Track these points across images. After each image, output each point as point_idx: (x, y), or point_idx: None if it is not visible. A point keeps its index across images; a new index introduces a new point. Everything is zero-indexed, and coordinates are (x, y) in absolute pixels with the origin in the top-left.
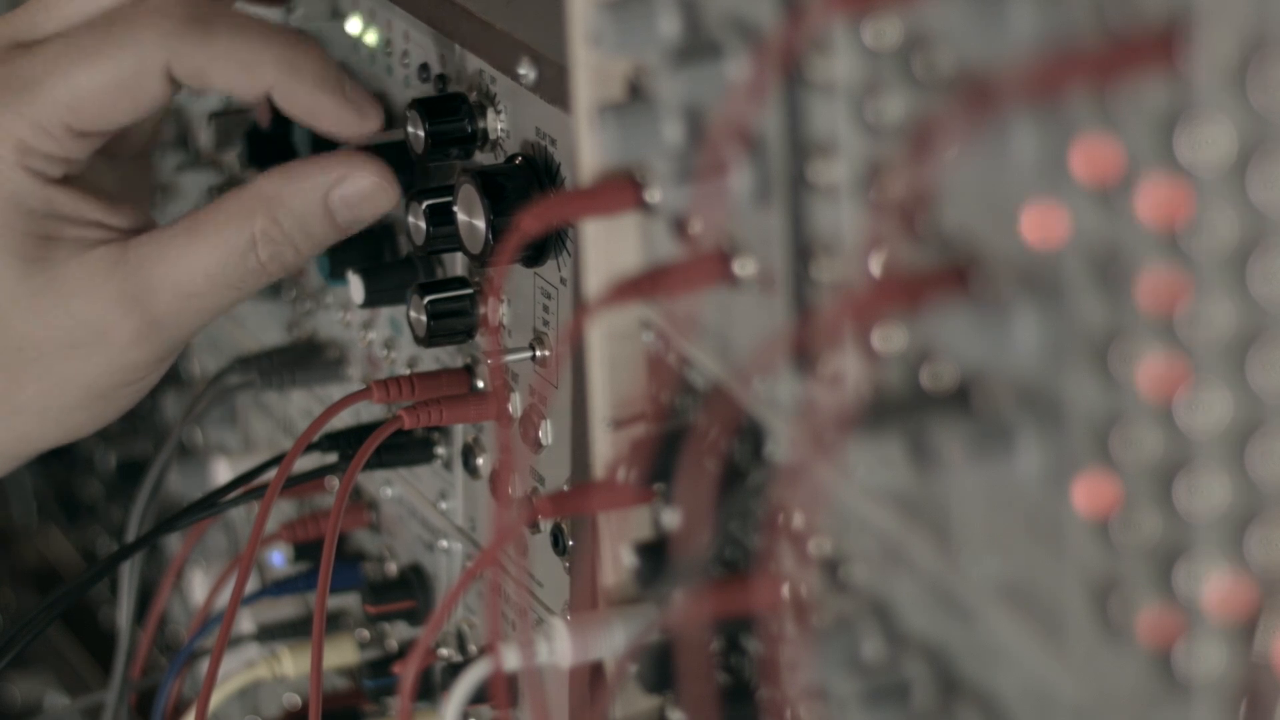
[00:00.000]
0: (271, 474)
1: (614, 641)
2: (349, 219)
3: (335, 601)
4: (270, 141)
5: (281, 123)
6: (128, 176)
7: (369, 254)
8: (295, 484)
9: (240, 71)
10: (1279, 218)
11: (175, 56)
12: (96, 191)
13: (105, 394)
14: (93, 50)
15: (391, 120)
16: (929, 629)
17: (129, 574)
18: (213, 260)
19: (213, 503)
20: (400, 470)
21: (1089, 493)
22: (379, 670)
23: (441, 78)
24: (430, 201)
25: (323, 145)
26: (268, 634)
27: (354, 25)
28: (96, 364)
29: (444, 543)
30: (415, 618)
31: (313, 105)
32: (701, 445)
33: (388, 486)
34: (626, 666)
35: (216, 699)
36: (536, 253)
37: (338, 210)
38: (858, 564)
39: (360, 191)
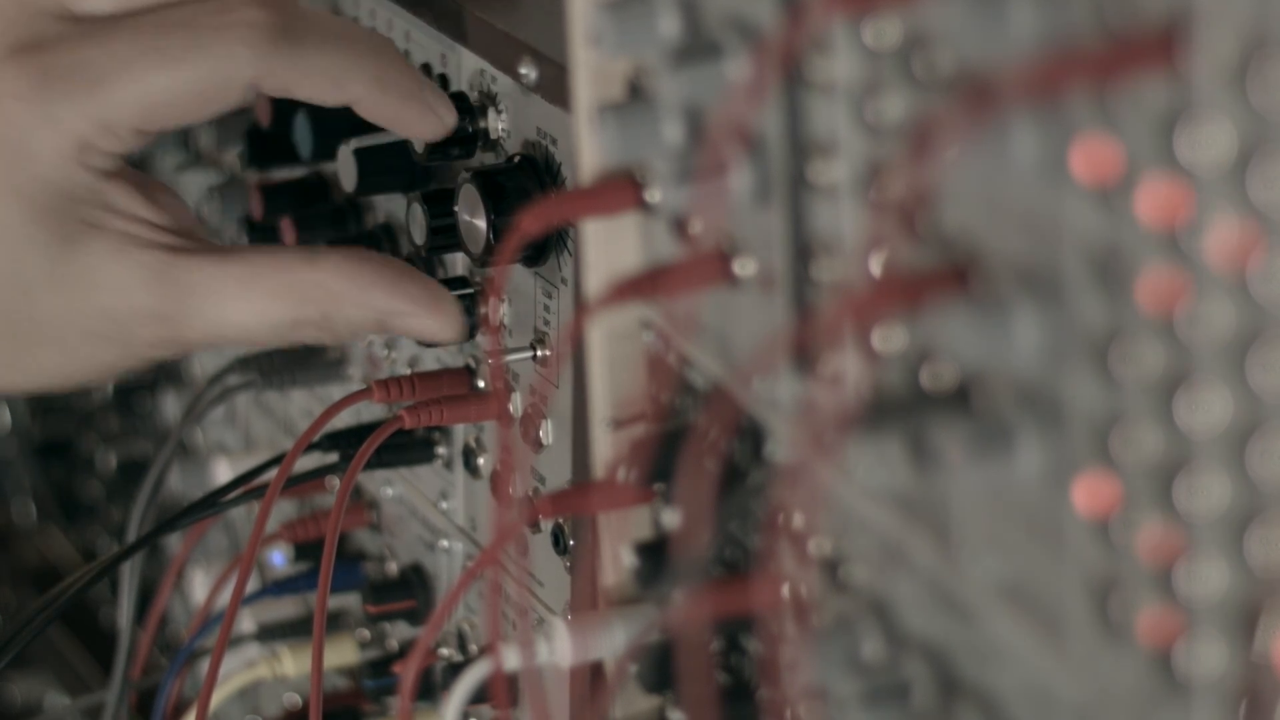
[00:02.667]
0: (271, 474)
1: (614, 641)
2: (400, 335)
3: (335, 601)
4: (270, 140)
5: (282, 122)
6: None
7: None
8: (295, 484)
9: (328, 85)
10: (1279, 218)
11: (265, 72)
12: (141, 184)
13: (114, 372)
14: (177, 57)
15: None
16: (929, 629)
17: (129, 574)
18: (253, 321)
19: (213, 503)
20: (401, 470)
21: (1089, 493)
22: (379, 670)
23: (442, 78)
24: (431, 202)
25: (324, 145)
26: (268, 634)
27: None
28: (112, 353)
29: (444, 542)
30: (415, 618)
31: (397, 115)
32: (701, 445)
33: (388, 486)
34: (626, 666)
35: (217, 699)
36: (537, 252)
37: (392, 328)
38: (858, 564)
39: (420, 328)
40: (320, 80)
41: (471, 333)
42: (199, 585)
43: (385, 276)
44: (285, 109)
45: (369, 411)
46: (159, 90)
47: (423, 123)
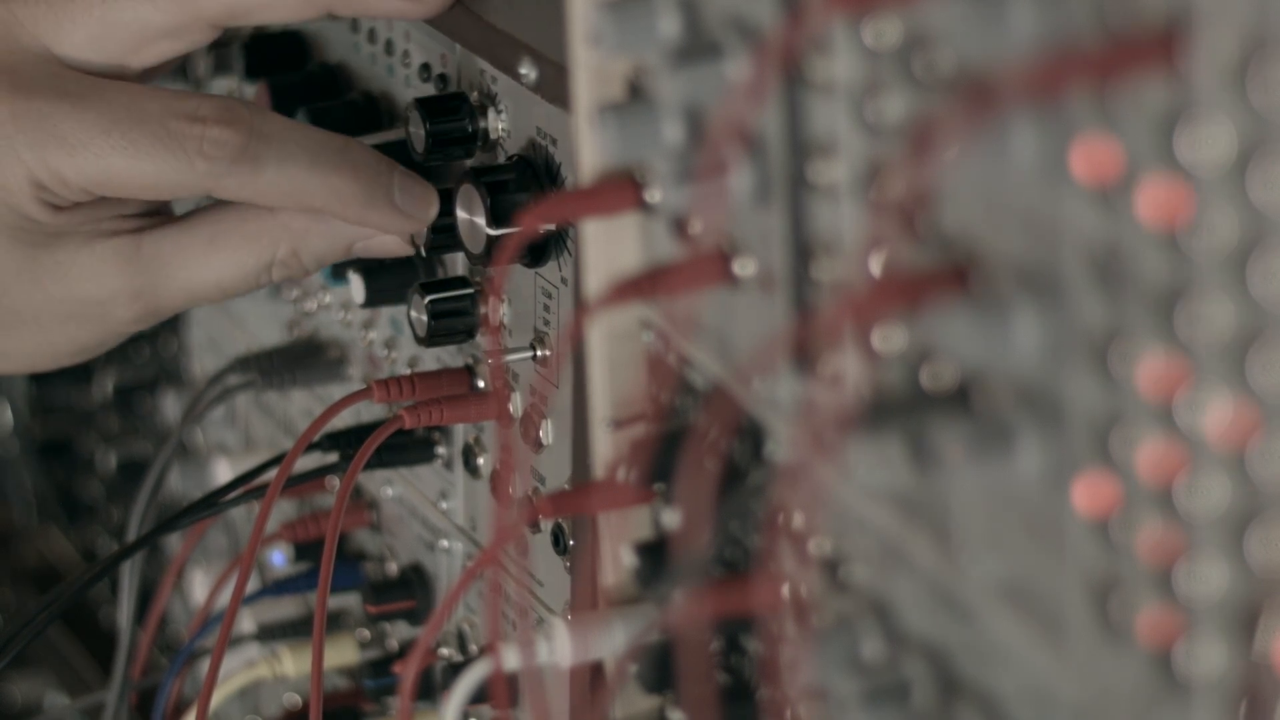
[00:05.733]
0: (272, 474)
1: (614, 641)
2: (365, 257)
3: (335, 601)
4: None
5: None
6: None
7: None
8: (295, 484)
9: (284, 199)
10: (1279, 218)
11: (219, 188)
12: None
13: (93, 350)
14: (140, 151)
15: (392, 120)
16: (929, 629)
17: (129, 574)
18: (227, 275)
19: (213, 503)
20: (401, 470)
21: (1089, 493)
22: (379, 670)
23: (442, 77)
24: None
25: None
26: (268, 634)
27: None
28: (90, 332)
29: (444, 542)
30: (415, 618)
31: (361, 221)
32: (701, 445)
33: (388, 486)
34: (626, 666)
35: (217, 699)
36: (537, 253)
37: (357, 252)
38: (858, 564)
39: (385, 246)
40: (275, 196)
41: (472, 332)
42: (199, 585)
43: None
44: (285, 109)
45: (369, 411)
46: (117, 173)
47: (389, 227)
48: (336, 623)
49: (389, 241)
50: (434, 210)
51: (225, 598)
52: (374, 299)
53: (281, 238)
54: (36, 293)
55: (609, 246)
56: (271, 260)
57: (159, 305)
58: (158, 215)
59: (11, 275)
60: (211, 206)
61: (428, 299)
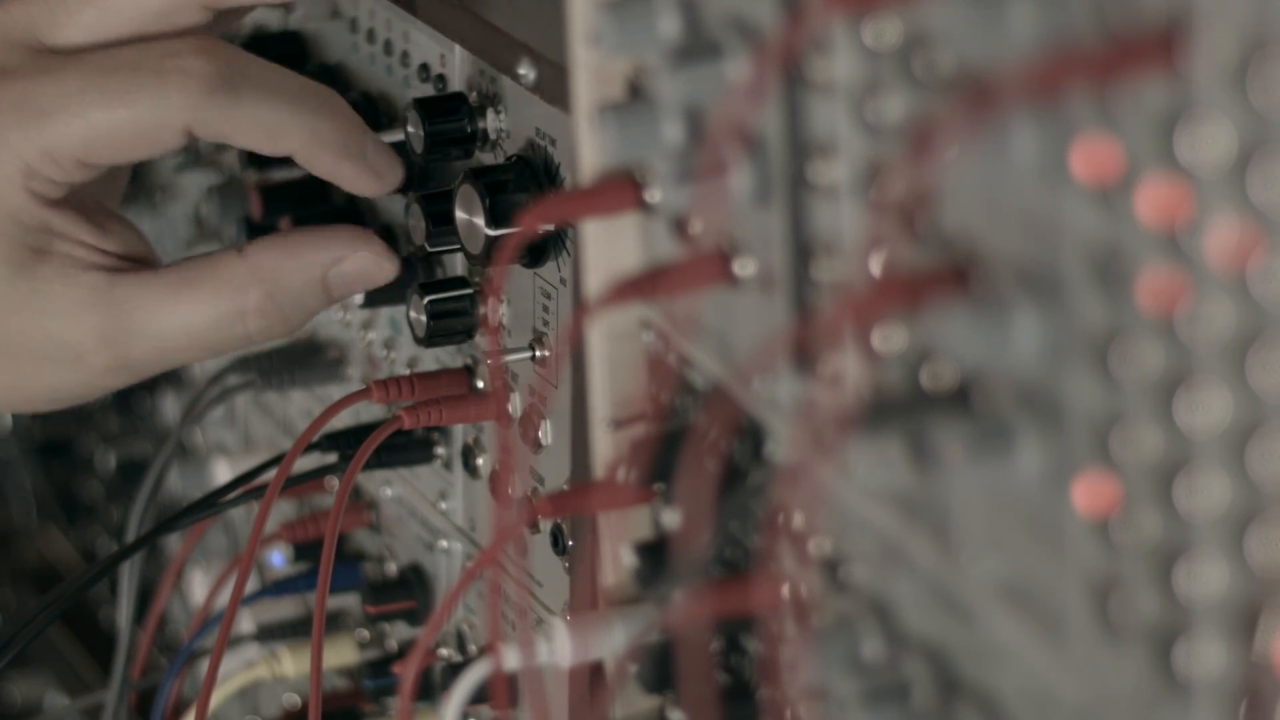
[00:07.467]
0: (271, 474)
1: (614, 641)
2: (344, 293)
3: (335, 601)
4: None
5: None
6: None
7: None
8: (295, 484)
9: (263, 137)
10: (1279, 218)
11: (198, 120)
12: (91, 213)
13: (68, 399)
14: (115, 96)
15: (391, 120)
16: (929, 629)
17: (129, 574)
18: (196, 323)
19: (213, 503)
20: (400, 470)
21: (1089, 493)
22: (379, 670)
23: (441, 78)
24: (430, 202)
25: None
26: (268, 634)
27: None
28: (65, 379)
29: (444, 543)
30: (415, 618)
31: (333, 170)
32: (701, 445)
33: (387, 486)
34: (626, 666)
35: (216, 699)
36: (536, 253)
37: (333, 286)
38: (858, 564)
39: (358, 270)
40: (255, 132)
41: (471, 333)
42: (199, 585)
43: (311, 235)
44: None
45: (368, 412)
46: (99, 127)
47: (358, 181)
48: (336, 623)
49: (364, 263)
50: (400, 177)
51: (224, 598)
52: (373, 299)
53: (250, 281)
54: (14, 325)
55: (609, 246)
56: (244, 307)
57: (129, 355)
58: (138, 261)
59: None
60: (187, 258)
61: (427, 299)
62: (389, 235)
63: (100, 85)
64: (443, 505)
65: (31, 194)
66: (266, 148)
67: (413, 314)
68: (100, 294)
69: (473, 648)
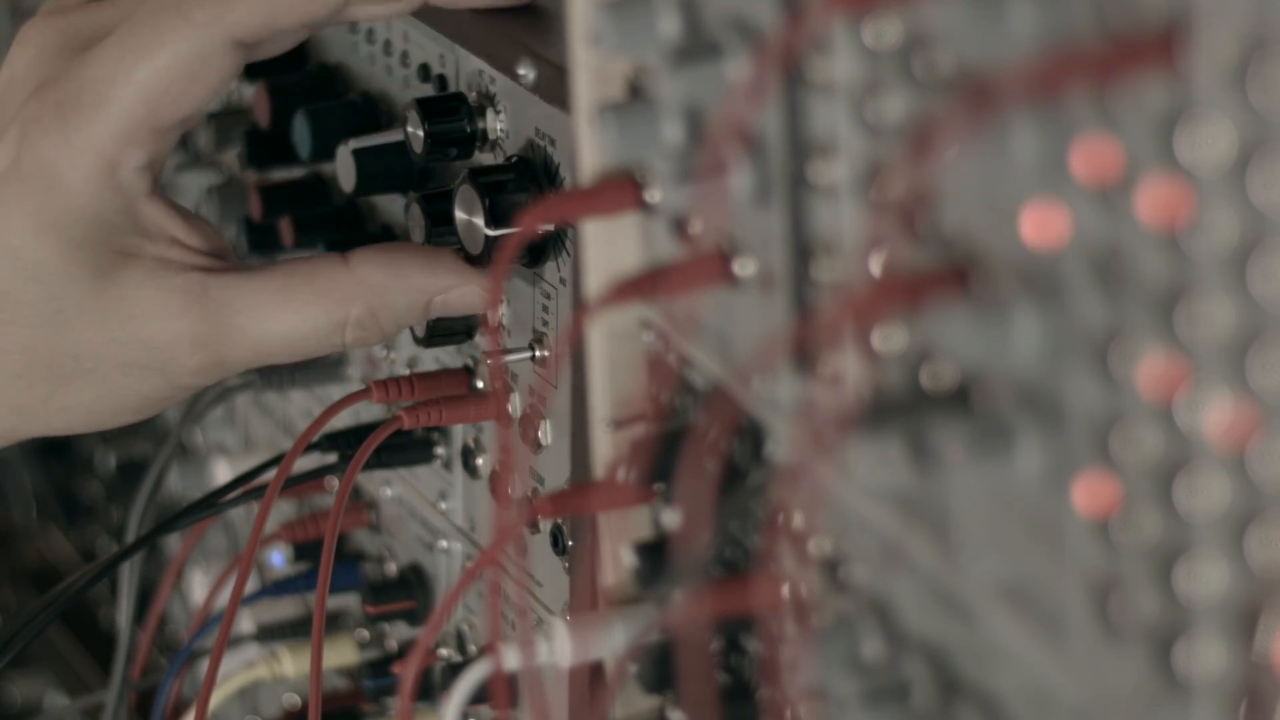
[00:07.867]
0: (271, 474)
1: (614, 641)
2: (441, 316)
3: (335, 601)
4: (269, 141)
5: (281, 123)
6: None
7: None
8: (295, 484)
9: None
10: (1279, 218)
11: (236, 24)
12: (175, 207)
13: (154, 406)
14: (149, 46)
15: (391, 120)
16: (929, 629)
17: (129, 574)
18: (297, 333)
19: (213, 503)
20: (400, 470)
21: (1089, 493)
22: (379, 670)
23: (441, 78)
24: (430, 202)
25: (323, 145)
26: (267, 634)
27: None
28: (152, 384)
29: (444, 543)
30: (415, 618)
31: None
32: (701, 445)
33: (387, 486)
34: (626, 666)
35: (216, 699)
36: (536, 253)
37: (435, 309)
38: (858, 564)
39: (463, 301)
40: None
41: (470, 333)
42: (198, 585)
43: (419, 257)
44: (284, 109)
45: (368, 412)
46: (149, 83)
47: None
48: (336, 623)
49: (469, 295)
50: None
51: (224, 598)
52: None
53: (356, 295)
54: (98, 334)
55: (609, 246)
56: (345, 319)
57: (224, 356)
58: (224, 260)
59: (75, 308)
60: (282, 260)
61: None
62: (388, 235)
63: (132, 46)
64: (442, 505)
65: (115, 189)
66: (320, 12)
67: None
68: (194, 297)
69: (473, 648)
